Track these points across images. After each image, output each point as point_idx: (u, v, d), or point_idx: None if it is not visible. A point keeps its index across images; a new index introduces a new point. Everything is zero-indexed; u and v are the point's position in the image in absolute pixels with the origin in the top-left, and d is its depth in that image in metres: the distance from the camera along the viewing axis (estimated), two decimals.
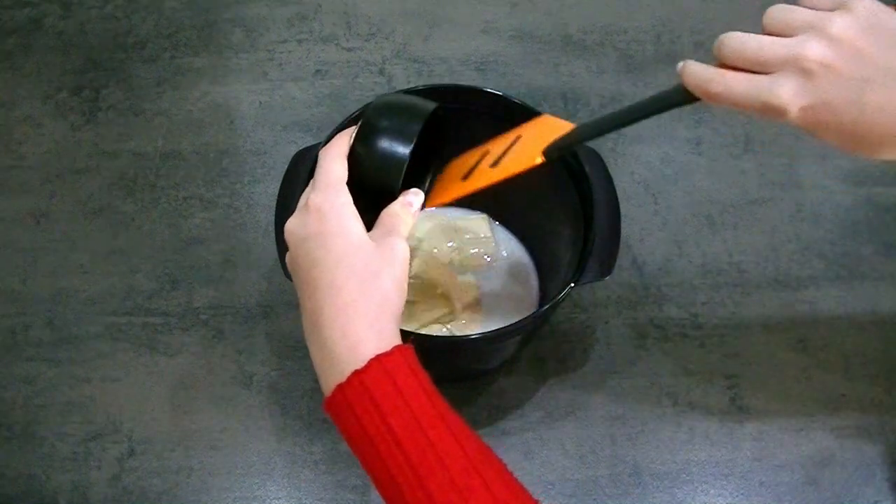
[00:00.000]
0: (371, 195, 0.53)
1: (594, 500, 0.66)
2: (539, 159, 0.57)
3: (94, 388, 0.72)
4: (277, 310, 0.75)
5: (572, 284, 0.59)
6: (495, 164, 0.60)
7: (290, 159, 0.66)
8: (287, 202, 0.63)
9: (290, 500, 0.67)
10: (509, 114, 0.67)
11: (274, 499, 0.67)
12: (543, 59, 0.91)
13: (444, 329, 0.71)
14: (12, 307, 0.76)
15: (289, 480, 0.67)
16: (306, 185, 0.62)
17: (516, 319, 0.58)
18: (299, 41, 0.92)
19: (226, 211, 0.81)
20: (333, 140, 0.54)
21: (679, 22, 0.93)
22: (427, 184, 0.61)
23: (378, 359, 0.46)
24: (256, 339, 0.74)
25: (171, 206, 0.81)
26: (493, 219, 0.78)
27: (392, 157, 0.53)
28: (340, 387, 0.46)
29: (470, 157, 0.63)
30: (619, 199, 0.63)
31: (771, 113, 0.46)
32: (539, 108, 0.66)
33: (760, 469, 0.68)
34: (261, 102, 0.88)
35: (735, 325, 0.74)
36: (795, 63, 0.45)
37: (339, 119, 0.66)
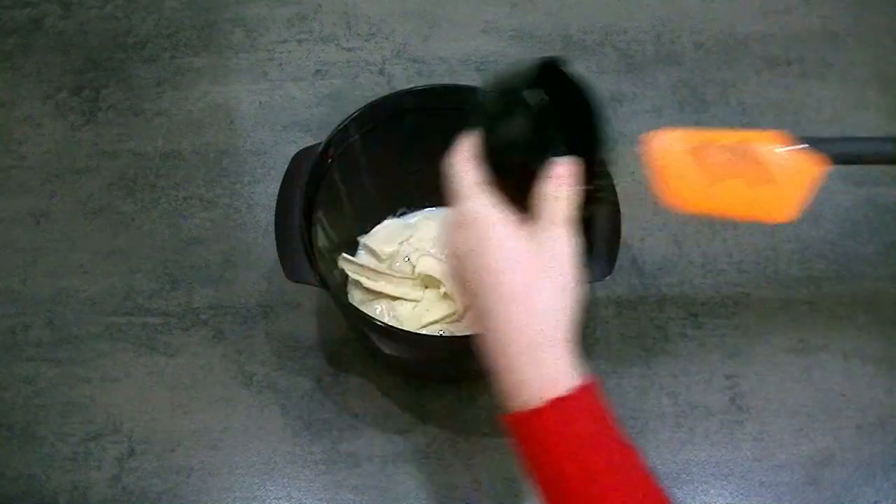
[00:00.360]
0: (519, 181, 0.48)
1: None
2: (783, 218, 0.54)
3: (94, 388, 0.72)
4: (277, 310, 0.75)
5: None
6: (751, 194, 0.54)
7: (290, 159, 0.66)
8: (287, 202, 0.63)
9: (290, 500, 0.67)
10: None
11: (274, 499, 0.67)
12: None
13: (443, 331, 0.71)
14: (12, 307, 0.76)
15: (289, 480, 0.67)
16: (308, 185, 0.62)
17: None
18: (299, 41, 0.92)
19: (226, 211, 0.81)
20: (454, 150, 0.50)
21: (679, 22, 0.93)
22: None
23: (558, 401, 0.44)
24: (256, 339, 0.74)
25: (171, 206, 0.81)
26: None
27: (516, 125, 0.48)
28: (519, 418, 0.45)
29: (716, 154, 0.56)
30: (619, 199, 0.63)
31: None
32: None
33: (760, 469, 0.68)
34: (261, 102, 0.88)
35: (735, 325, 0.74)
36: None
37: (339, 119, 0.66)
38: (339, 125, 0.66)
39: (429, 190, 0.68)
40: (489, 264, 0.46)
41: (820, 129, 0.85)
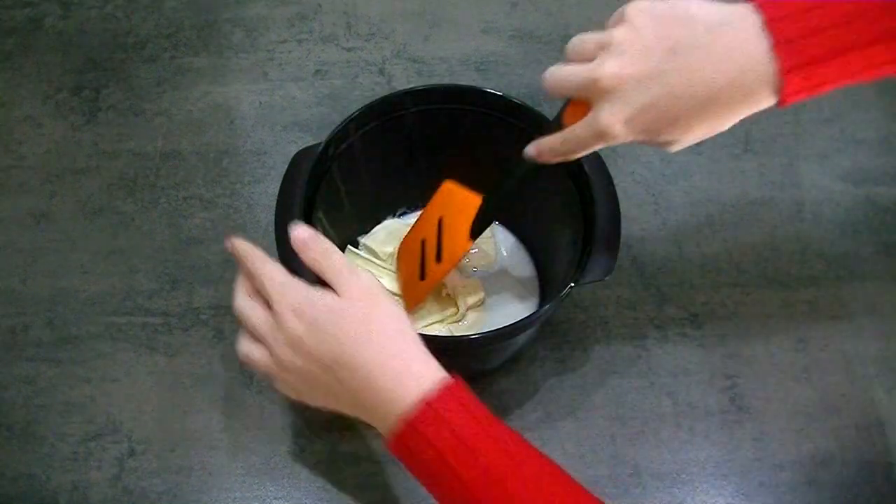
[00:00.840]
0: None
1: None
2: (469, 245, 0.63)
3: (94, 388, 0.72)
4: None
5: (572, 284, 0.59)
6: (438, 256, 0.65)
7: (290, 159, 0.66)
8: (287, 202, 0.63)
9: (290, 500, 0.67)
10: (509, 113, 0.67)
11: (274, 499, 0.67)
12: (543, 60, 0.90)
13: (446, 329, 0.71)
14: (12, 307, 0.76)
15: (289, 480, 0.68)
16: (308, 185, 0.62)
17: (518, 319, 0.58)
18: (299, 41, 0.92)
19: (226, 211, 0.81)
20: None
21: None
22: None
23: (426, 402, 0.47)
24: None
25: (171, 206, 0.81)
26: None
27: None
28: (396, 435, 0.48)
29: (412, 249, 0.68)
30: (619, 199, 0.63)
31: (605, 139, 0.50)
32: (538, 109, 0.66)
33: (760, 469, 0.68)
34: (261, 102, 0.88)
35: (735, 325, 0.74)
36: (595, 87, 0.49)
37: (339, 119, 0.66)
38: (339, 125, 0.66)
39: (428, 190, 0.68)
40: (322, 328, 0.49)
41: (820, 128, 0.85)
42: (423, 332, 0.52)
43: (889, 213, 0.81)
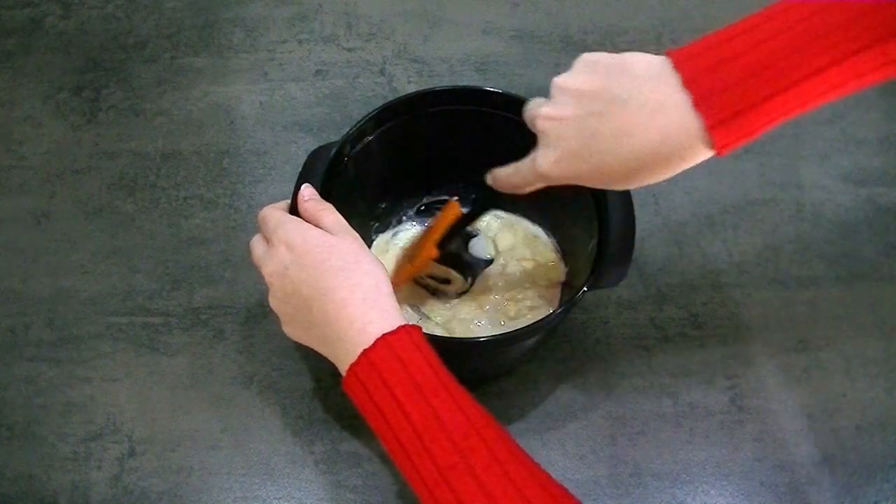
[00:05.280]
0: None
1: (595, 500, 0.66)
2: (434, 252, 0.66)
3: (95, 388, 0.72)
4: None
5: (585, 289, 0.59)
6: (413, 259, 0.69)
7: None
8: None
9: (290, 501, 0.67)
10: (510, 109, 0.67)
11: (274, 499, 0.67)
12: (544, 60, 0.91)
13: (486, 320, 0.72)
14: (13, 307, 0.76)
15: (289, 480, 0.68)
16: (323, 179, 0.63)
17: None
18: (300, 41, 0.92)
19: (226, 211, 0.81)
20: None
21: (679, 22, 0.93)
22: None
23: (384, 337, 0.49)
24: (257, 339, 0.74)
25: (172, 207, 0.81)
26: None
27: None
28: (352, 367, 0.50)
29: (406, 248, 0.72)
30: None
31: (542, 179, 0.52)
32: None
33: (761, 469, 0.68)
34: (261, 103, 0.88)
35: (735, 325, 0.74)
36: (535, 126, 0.51)
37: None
38: (359, 122, 0.66)
39: (443, 189, 0.71)
40: (311, 257, 0.54)
41: (820, 129, 0.85)
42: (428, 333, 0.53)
43: (890, 214, 0.81)
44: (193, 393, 0.71)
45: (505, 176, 0.56)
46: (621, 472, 0.68)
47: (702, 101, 0.44)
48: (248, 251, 0.59)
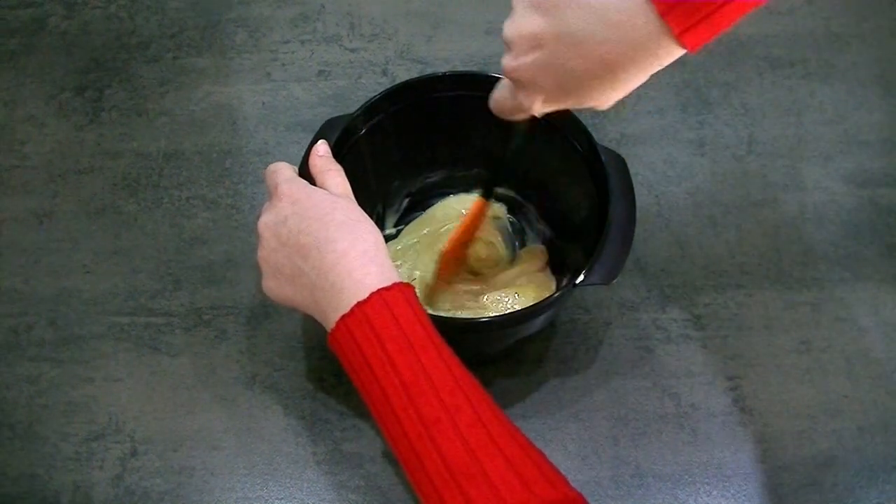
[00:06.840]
0: None
1: (596, 501, 0.66)
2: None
3: (97, 387, 0.72)
4: (280, 310, 0.75)
5: (574, 284, 0.59)
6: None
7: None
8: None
9: (292, 501, 0.67)
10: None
11: (276, 499, 0.67)
12: None
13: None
14: (15, 307, 0.76)
15: (291, 481, 0.68)
16: (336, 144, 0.64)
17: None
18: (302, 42, 0.92)
19: (228, 211, 0.81)
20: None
21: None
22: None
23: (379, 292, 0.50)
24: (259, 339, 0.74)
25: (174, 207, 0.81)
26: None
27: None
28: (343, 318, 0.50)
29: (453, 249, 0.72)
30: None
31: (524, 111, 0.53)
32: None
33: (763, 470, 0.68)
34: (264, 103, 0.88)
35: (738, 326, 0.74)
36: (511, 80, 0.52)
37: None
38: (373, 98, 0.67)
39: (452, 172, 0.74)
40: (315, 209, 0.54)
41: (823, 130, 0.85)
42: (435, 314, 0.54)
43: (892, 215, 0.80)
44: (196, 393, 0.71)
45: (499, 97, 0.56)
46: (623, 472, 0.68)
47: (668, 11, 0.43)
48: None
